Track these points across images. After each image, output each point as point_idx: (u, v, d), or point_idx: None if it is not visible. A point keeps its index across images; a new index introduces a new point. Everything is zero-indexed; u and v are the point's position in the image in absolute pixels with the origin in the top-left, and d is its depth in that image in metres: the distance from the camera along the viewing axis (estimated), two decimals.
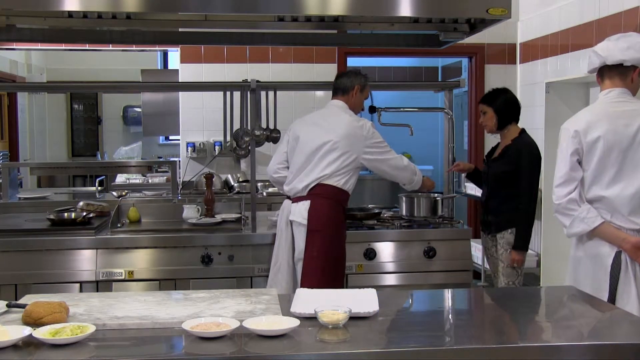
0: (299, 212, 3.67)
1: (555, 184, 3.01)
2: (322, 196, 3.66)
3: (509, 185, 3.92)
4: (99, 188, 5.79)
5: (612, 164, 2.93)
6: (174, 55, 7.67)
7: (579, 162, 2.98)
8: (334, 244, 3.66)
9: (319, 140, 3.71)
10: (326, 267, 3.61)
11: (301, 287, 3.40)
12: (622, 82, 3.02)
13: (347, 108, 3.81)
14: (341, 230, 3.73)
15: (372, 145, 3.72)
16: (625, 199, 2.91)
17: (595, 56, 3.05)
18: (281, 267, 3.71)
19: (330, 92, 3.91)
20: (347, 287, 3.82)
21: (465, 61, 7.06)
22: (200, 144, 6.50)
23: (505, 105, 4.01)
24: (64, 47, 6.88)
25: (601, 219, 2.93)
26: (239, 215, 4.29)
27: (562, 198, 2.98)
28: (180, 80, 6.50)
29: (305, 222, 3.64)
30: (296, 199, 3.73)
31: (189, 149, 6.50)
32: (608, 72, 3.03)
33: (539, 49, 6.22)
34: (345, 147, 3.67)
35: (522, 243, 3.87)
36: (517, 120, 4.05)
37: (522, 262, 3.90)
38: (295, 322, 2.07)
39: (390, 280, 3.95)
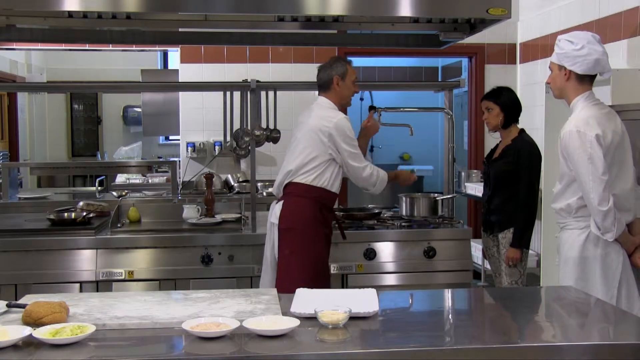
0: (275, 212, 3.62)
1: (598, 200, 2.88)
2: (293, 194, 3.59)
3: (511, 185, 3.93)
4: (99, 188, 5.78)
5: (616, 163, 2.99)
6: (174, 55, 7.67)
7: None
8: (309, 243, 3.53)
9: (293, 139, 3.70)
10: (304, 266, 3.48)
11: (277, 287, 3.33)
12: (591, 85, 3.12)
13: (328, 104, 3.64)
14: (319, 229, 3.58)
15: (340, 138, 3.52)
16: (626, 193, 3.00)
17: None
18: (267, 268, 3.67)
19: None
20: (347, 287, 3.82)
21: (465, 61, 7.06)
22: (200, 144, 6.49)
23: (512, 103, 4.02)
24: (64, 47, 6.89)
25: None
26: (239, 215, 4.30)
27: (610, 213, 2.89)
28: (180, 80, 6.51)
29: (277, 221, 3.59)
30: (279, 200, 3.69)
31: (189, 149, 6.50)
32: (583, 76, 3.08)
33: (539, 49, 6.22)
34: (307, 140, 3.57)
35: (517, 241, 3.88)
36: (518, 120, 4.06)
37: (517, 260, 3.90)
38: (295, 322, 2.07)
39: (390, 280, 3.95)
